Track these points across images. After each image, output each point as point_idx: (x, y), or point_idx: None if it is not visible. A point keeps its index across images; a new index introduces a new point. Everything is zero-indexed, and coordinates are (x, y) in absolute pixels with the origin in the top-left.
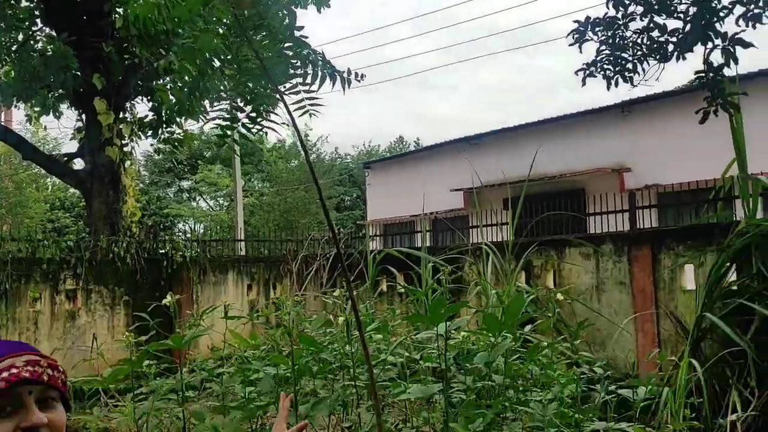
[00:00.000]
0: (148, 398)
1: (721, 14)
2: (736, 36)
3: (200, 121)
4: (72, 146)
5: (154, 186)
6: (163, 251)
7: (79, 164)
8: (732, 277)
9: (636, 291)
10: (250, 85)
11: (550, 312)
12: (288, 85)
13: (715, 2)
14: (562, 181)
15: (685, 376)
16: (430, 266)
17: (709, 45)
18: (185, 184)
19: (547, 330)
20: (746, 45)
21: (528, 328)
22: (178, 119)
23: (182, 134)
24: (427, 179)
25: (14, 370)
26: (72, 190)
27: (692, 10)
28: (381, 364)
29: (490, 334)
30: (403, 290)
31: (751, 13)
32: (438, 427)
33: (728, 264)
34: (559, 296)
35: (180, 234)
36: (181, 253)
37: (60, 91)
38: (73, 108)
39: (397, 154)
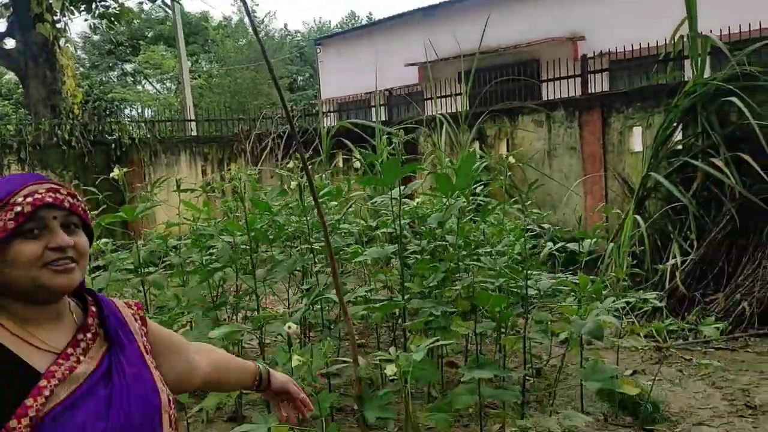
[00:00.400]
0: (104, 271)
1: None
2: None
3: None
4: (0, 25)
5: (95, 70)
6: (109, 135)
7: (10, 45)
8: (678, 136)
9: (586, 155)
10: None
11: (502, 178)
12: None
13: None
14: (517, 52)
15: (630, 232)
16: (385, 138)
17: None
18: (128, 67)
19: (500, 194)
20: None
21: (479, 187)
22: None
23: (118, 8)
24: (381, 55)
25: (38, 195)
26: (7, 76)
27: None
28: (338, 231)
29: (443, 196)
30: (358, 163)
31: None
32: (395, 287)
33: (675, 124)
34: (511, 159)
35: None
36: (129, 135)
37: None
38: None
39: (349, 29)
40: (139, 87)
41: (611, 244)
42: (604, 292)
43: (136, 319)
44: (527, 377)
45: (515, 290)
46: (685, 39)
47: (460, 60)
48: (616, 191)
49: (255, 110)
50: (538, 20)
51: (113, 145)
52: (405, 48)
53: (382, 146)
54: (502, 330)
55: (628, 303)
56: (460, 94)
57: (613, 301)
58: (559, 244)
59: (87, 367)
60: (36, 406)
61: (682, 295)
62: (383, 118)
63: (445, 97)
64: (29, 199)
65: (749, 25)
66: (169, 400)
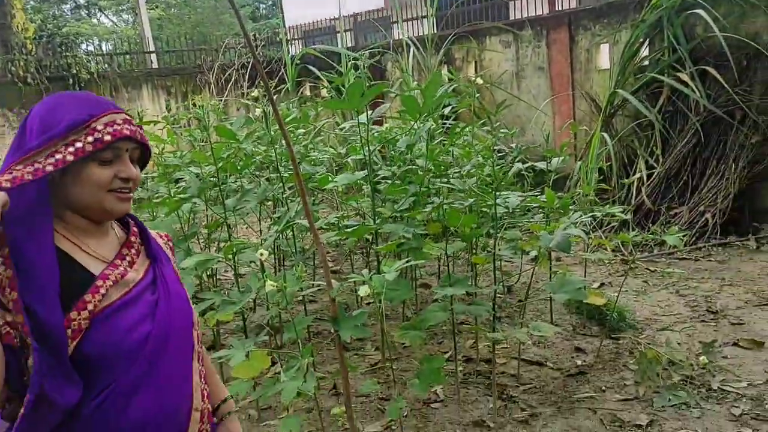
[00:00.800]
0: None
1: None
2: None
3: None
4: None
5: (46, 3)
6: (66, 71)
7: None
8: (645, 52)
9: (554, 75)
10: None
11: (470, 100)
12: None
13: None
14: None
15: (597, 149)
16: (352, 64)
17: None
18: None
19: (468, 116)
20: None
21: (448, 110)
22: None
23: None
24: None
25: (117, 126)
26: None
27: None
28: (307, 159)
29: (411, 120)
30: (326, 91)
31: None
32: (366, 213)
33: (641, 39)
34: (479, 81)
35: (84, 53)
36: (87, 70)
37: None
38: None
39: None
40: (94, 20)
41: (579, 162)
42: (571, 208)
43: (168, 248)
44: (498, 294)
45: (485, 210)
46: None
47: None
48: (584, 110)
49: (217, 41)
50: None
51: (71, 81)
52: None
53: (348, 71)
54: (473, 250)
55: (595, 218)
56: (425, 17)
57: (580, 216)
58: (528, 164)
59: (135, 276)
60: (94, 302)
61: (648, 208)
62: (349, 45)
63: (412, 20)
64: (109, 129)
65: None
66: (197, 320)
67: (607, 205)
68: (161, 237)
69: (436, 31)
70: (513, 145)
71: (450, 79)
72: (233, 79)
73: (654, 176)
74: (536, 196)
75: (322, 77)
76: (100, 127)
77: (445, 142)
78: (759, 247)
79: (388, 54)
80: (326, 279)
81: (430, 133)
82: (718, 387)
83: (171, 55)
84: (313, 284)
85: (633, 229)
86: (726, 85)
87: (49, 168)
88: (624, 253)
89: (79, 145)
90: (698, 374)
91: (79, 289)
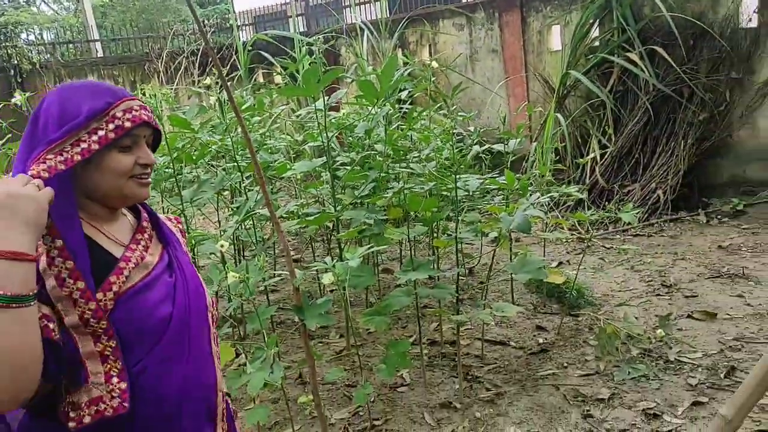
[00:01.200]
0: None
1: None
2: None
3: None
4: None
5: None
6: (6, 61)
7: None
8: (595, 33)
9: (507, 57)
10: None
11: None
12: None
13: None
14: None
15: (552, 130)
16: (305, 49)
17: None
18: None
19: (425, 100)
20: None
21: (404, 94)
22: None
23: None
24: None
25: (135, 113)
26: None
27: None
28: (264, 148)
29: (368, 105)
30: (280, 78)
31: None
32: (326, 200)
33: (591, 21)
34: (434, 65)
35: (25, 42)
36: (29, 60)
37: None
38: None
39: None
40: (34, 8)
41: (535, 143)
42: (529, 189)
43: (179, 231)
44: (461, 276)
45: (445, 194)
46: None
47: None
48: (538, 91)
49: (165, 28)
50: None
51: (12, 72)
52: None
53: (302, 57)
54: (435, 233)
55: (552, 198)
56: (378, 0)
57: (538, 197)
58: (486, 146)
59: (152, 259)
60: (118, 283)
61: (602, 187)
62: (302, 29)
63: (364, 3)
64: (128, 116)
65: None
66: (212, 301)
67: (563, 185)
68: (171, 220)
69: (389, 15)
70: (470, 128)
71: (405, 63)
72: (183, 66)
73: (607, 155)
74: (495, 178)
75: (275, 63)
76: (119, 114)
77: (403, 126)
78: (708, 221)
79: (342, 39)
80: (289, 268)
81: (388, 118)
82: (675, 358)
83: (116, 44)
84: (275, 274)
85: (589, 208)
86: (674, 64)
87: (78, 157)
88: (581, 231)
89: (101, 133)
90: (656, 347)
91: (104, 270)
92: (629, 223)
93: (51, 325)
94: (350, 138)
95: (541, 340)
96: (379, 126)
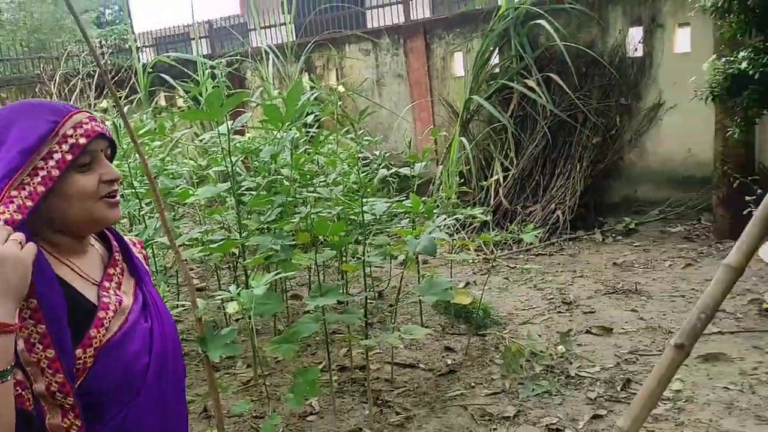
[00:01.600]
0: None
1: None
2: None
3: None
4: None
5: None
6: None
7: None
8: (495, 60)
9: (413, 82)
10: None
11: (333, 108)
12: None
13: None
14: None
15: (456, 153)
16: (209, 72)
17: None
18: None
19: (332, 124)
20: None
21: (311, 118)
22: None
23: None
24: None
25: (87, 127)
26: None
27: None
28: (165, 173)
29: (274, 129)
30: (182, 101)
31: None
32: (232, 226)
33: (491, 48)
34: (341, 89)
35: None
36: None
37: None
38: None
39: None
40: None
41: (441, 167)
42: (435, 212)
43: (143, 257)
44: (370, 300)
45: (353, 218)
46: None
47: None
48: (443, 116)
49: (59, 48)
50: None
51: None
52: None
53: (205, 80)
54: (344, 257)
55: (458, 220)
56: (283, 24)
57: (444, 219)
58: (393, 170)
59: (128, 300)
60: (99, 336)
61: (506, 208)
62: (206, 52)
63: (270, 27)
64: (81, 131)
65: None
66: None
67: (469, 207)
68: (135, 245)
69: (295, 39)
70: (377, 152)
71: (312, 87)
72: (78, 89)
73: (510, 177)
74: (402, 201)
75: (177, 86)
76: (70, 132)
77: (310, 150)
78: (604, 240)
79: (247, 62)
80: (191, 298)
81: (294, 142)
82: (575, 373)
83: (5, 64)
84: (177, 304)
85: (493, 229)
86: (568, 91)
87: (41, 188)
88: (486, 252)
89: (57, 156)
90: (557, 363)
91: (82, 321)
92: (531, 243)
93: (25, 394)
94: (256, 162)
95: (449, 361)
96: (286, 150)
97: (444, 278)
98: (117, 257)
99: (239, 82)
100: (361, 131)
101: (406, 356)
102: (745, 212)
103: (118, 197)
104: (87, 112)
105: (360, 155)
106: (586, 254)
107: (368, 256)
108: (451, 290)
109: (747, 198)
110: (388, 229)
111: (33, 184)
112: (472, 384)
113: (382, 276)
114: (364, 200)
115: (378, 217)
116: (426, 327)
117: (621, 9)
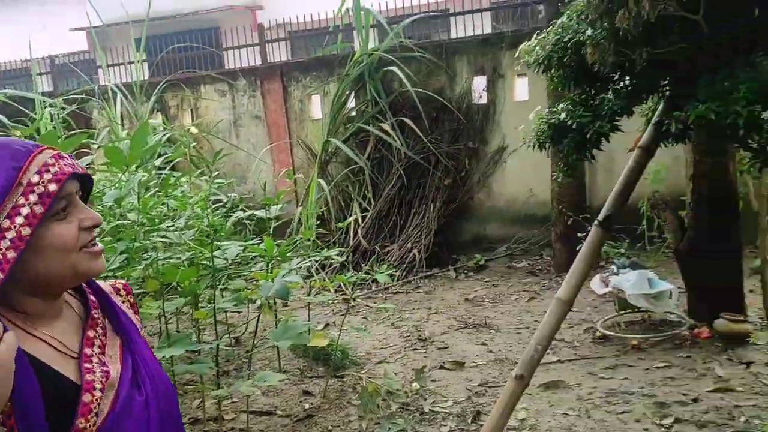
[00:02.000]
0: None
1: None
2: None
3: None
4: None
5: None
6: None
7: None
8: (352, 103)
9: (270, 123)
10: None
11: (186, 149)
12: None
13: None
14: (195, 19)
15: (315, 195)
16: (48, 111)
17: None
18: None
19: (186, 166)
20: None
21: (160, 161)
22: None
23: None
24: (46, 16)
25: (55, 168)
26: None
27: None
28: None
29: (119, 171)
30: None
31: None
32: None
33: (348, 92)
34: (194, 130)
35: None
36: None
37: None
38: None
39: None
40: None
41: (300, 208)
42: (290, 254)
43: (129, 305)
44: (226, 347)
45: (205, 263)
46: (351, 12)
47: (139, 25)
48: (301, 157)
49: None
50: None
51: None
52: (71, 10)
53: (40, 119)
54: (198, 304)
55: (317, 261)
56: (133, 62)
57: (300, 262)
58: (249, 213)
59: (115, 370)
60: (89, 427)
61: (365, 248)
62: (48, 89)
63: (120, 65)
64: (48, 176)
65: (403, 1)
66: None
67: (328, 248)
68: (118, 292)
69: (146, 78)
70: (232, 195)
71: (164, 128)
72: None
73: (368, 218)
74: (257, 244)
75: (10, 126)
76: (35, 178)
77: (160, 193)
78: (457, 276)
79: (93, 101)
80: None
81: (143, 185)
82: (429, 409)
83: None
84: None
85: (353, 269)
86: (420, 134)
87: (11, 255)
88: (346, 292)
89: (25, 210)
90: (413, 400)
91: (65, 410)
92: (388, 282)
93: None
94: (99, 207)
95: (307, 406)
96: (132, 193)
97: (300, 322)
98: (96, 315)
99: (84, 121)
100: (217, 173)
101: (263, 403)
102: (578, 248)
103: (101, 245)
104: (51, 148)
105: (214, 197)
106: (440, 291)
107: (222, 302)
108: (308, 333)
109: (579, 234)
110: (244, 273)
111: (1, 250)
112: (330, 428)
113: (239, 321)
114: (218, 244)
115: (230, 261)
116: (284, 371)
117: (466, 59)
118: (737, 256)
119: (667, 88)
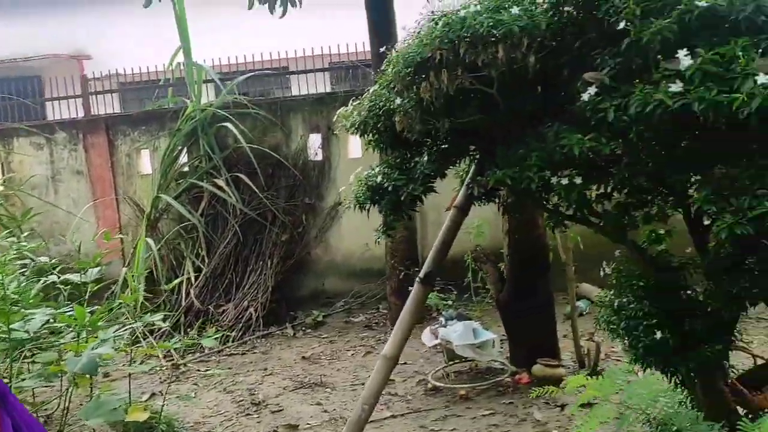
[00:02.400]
0: None
1: None
2: None
3: None
4: None
5: None
6: None
7: None
8: (184, 159)
9: (95, 179)
10: None
11: None
12: None
13: None
14: (15, 66)
15: (143, 254)
16: None
17: None
18: None
19: None
20: None
21: None
22: None
23: None
24: None
25: None
26: None
27: None
28: None
29: None
30: None
31: None
32: None
33: (180, 147)
34: (1, 188)
35: None
36: None
37: None
38: None
39: None
40: None
41: (125, 268)
42: (110, 321)
43: None
44: None
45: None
46: (182, 66)
47: None
48: (129, 215)
49: None
50: (39, 34)
51: None
52: None
53: None
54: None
55: (143, 326)
56: None
57: (117, 330)
58: (64, 276)
59: None
60: None
61: (198, 309)
62: None
63: None
64: None
65: (240, 57)
66: None
67: (157, 310)
68: None
69: None
70: (42, 258)
71: None
72: None
73: (201, 276)
74: (70, 312)
75: None
76: None
77: None
78: (295, 334)
79: None
80: None
81: None
82: None
83: None
84: None
85: (185, 331)
86: (257, 190)
87: None
88: (176, 358)
89: None
90: None
91: None
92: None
93: None
94: None
95: None
96: None
97: (114, 396)
98: None
99: None
100: (29, 233)
101: None
102: None
103: None
104: None
105: (24, 261)
106: (277, 350)
107: (27, 377)
108: (126, 407)
109: (410, 288)
110: (57, 344)
111: None
112: None
113: (51, 396)
114: (24, 312)
115: (33, 333)
116: None
117: (301, 117)
118: (545, 309)
119: (476, 152)
